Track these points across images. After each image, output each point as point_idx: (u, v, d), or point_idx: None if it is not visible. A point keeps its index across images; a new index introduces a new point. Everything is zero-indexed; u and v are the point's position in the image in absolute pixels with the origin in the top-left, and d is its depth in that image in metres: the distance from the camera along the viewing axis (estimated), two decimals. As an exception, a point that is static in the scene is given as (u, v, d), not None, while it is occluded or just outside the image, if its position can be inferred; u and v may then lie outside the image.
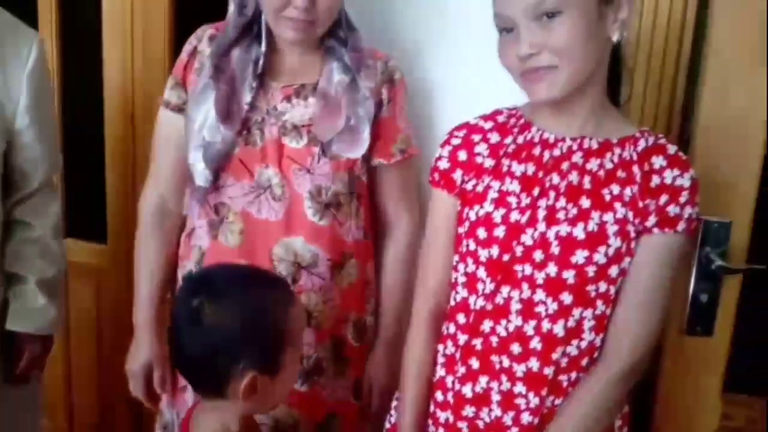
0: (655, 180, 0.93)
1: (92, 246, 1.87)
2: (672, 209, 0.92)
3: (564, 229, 0.93)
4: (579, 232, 0.93)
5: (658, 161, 0.94)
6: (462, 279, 1.01)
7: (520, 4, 0.88)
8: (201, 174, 1.16)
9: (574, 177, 0.95)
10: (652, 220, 0.93)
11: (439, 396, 1.04)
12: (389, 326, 1.27)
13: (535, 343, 0.95)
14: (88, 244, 1.88)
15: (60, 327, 1.42)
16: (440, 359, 1.04)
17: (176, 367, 0.99)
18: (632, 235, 0.93)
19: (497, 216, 0.97)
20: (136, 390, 1.29)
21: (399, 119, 1.22)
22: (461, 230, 1.02)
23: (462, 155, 1.02)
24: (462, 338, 1.01)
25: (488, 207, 0.97)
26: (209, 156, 1.15)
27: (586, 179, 0.94)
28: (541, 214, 0.95)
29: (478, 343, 0.99)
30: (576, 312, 0.94)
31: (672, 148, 0.95)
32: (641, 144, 0.96)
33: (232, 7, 1.19)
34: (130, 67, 1.70)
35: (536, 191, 0.96)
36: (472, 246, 0.99)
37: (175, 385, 1.28)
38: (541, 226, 0.94)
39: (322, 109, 1.15)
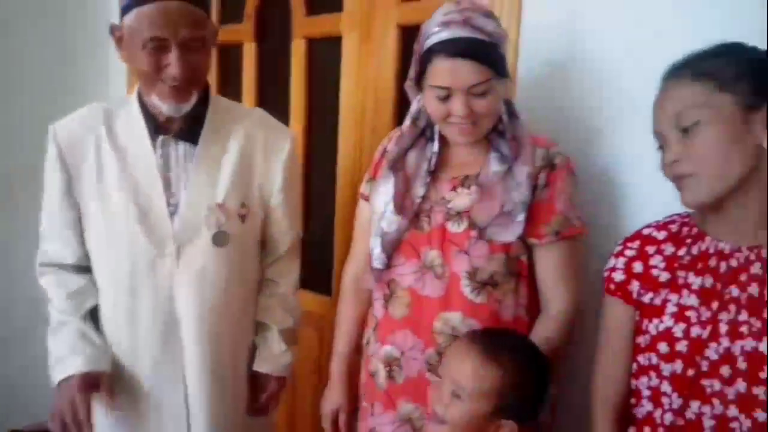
0: None
1: (320, 297, 2.05)
2: None
3: (749, 343, 0.89)
4: (765, 347, 0.88)
5: None
6: (646, 393, 1.01)
7: (664, 118, 0.93)
8: (378, 257, 1.28)
9: (753, 289, 0.90)
10: None
11: None
12: None
13: None
14: (317, 295, 2.07)
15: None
16: None
17: None
18: None
19: (678, 330, 0.95)
20: (326, 427, 1.47)
21: (557, 202, 1.21)
22: (640, 341, 1.01)
23: (637, 267, 1.02)
24: None
25: (668, 321, 0.96)
26: (385, 242, 1.26)
27: None
28: (723, 328, 0.92)
29: None
30: None
31: None
32: None
33: (408, 121, 1.31)
34: (359, 148, 1.89)
35: (715, 305, 0.93)
36: (654, 360, 0.98)
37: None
38: (725, 341, 0.91)
39: (479, 196, 1.21)
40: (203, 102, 1.37)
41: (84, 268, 1.40)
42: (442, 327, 1.22)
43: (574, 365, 1.32)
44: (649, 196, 1.26)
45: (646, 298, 1.00)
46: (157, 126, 1.34)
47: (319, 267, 2.06)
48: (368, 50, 1.82)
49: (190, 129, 1.35)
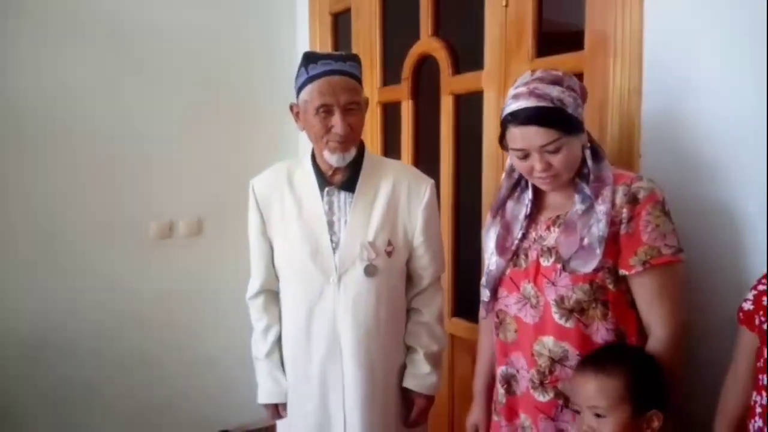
0: None
1: (472, 325, 2.18)
2: None
3: None
4: None
5: None
6: (758, 410, 1.06)
7: None
8: (484, 291, 1.46)
9: None
10: None
11: None
12: None
13: None
14: (469, 323, 2.22)
15: (441, 389, 1.76)
16: None
17: None
18: None
19: None
20: None
21: (643, 234, 1.26)
22: (759, 364, 1.08)
23: (766, 300, 1.08)
24: None
25: None
26: (488, 279, 1.44)
27: None
28: None
29: None
30: None
31: None
32: None
33: (504, 174, 1.46)
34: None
35: None
36: (766, 381, 1.04)
37: None
38: None
39: (562, 232, 1.32)
40: (359, 158, 1.63)
41: (277, 294, 1.71)
42: (540, 349, 1.35)
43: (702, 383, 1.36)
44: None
45: (766, 326, 1.07)
46: (324, 180, 1.62)
47: (470, 297, 2.20)
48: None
49: (349, 181, 1.61)
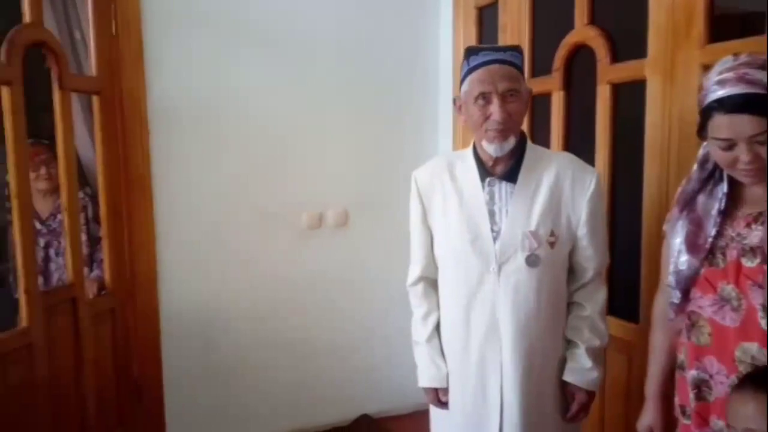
0: None
1: (627, 324, 2.12)
2: None
3: None
4: None
5: None
6: None
7: None
8: (674, 293, 1.36)
9: None
10: None
11: None
12: None
13: None
14: (624, 322, 2.14)
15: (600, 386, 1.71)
16: None
17: None
18: None
19: None
20: None
21: None
22: None
23: None
24: None
25: None
26: (679, 279, 1.34)
27: None
28: None
29: None
30: None
31: None
32: None
33: (695, 165, 1.36)
34: (664, 182, 1.94)
35: None
36: None
37: None
38: None
39: None
40: (521, 149, 1.63)
41: (436, 281, 1.75)
42: (742, 356, 1.26)
43: None
44: None
45: None
46: (485, 170, 1.64)
47: (626, 295, 2.12)
48: (672, 91, 1.88)
49: (510, 171, 1.62)
